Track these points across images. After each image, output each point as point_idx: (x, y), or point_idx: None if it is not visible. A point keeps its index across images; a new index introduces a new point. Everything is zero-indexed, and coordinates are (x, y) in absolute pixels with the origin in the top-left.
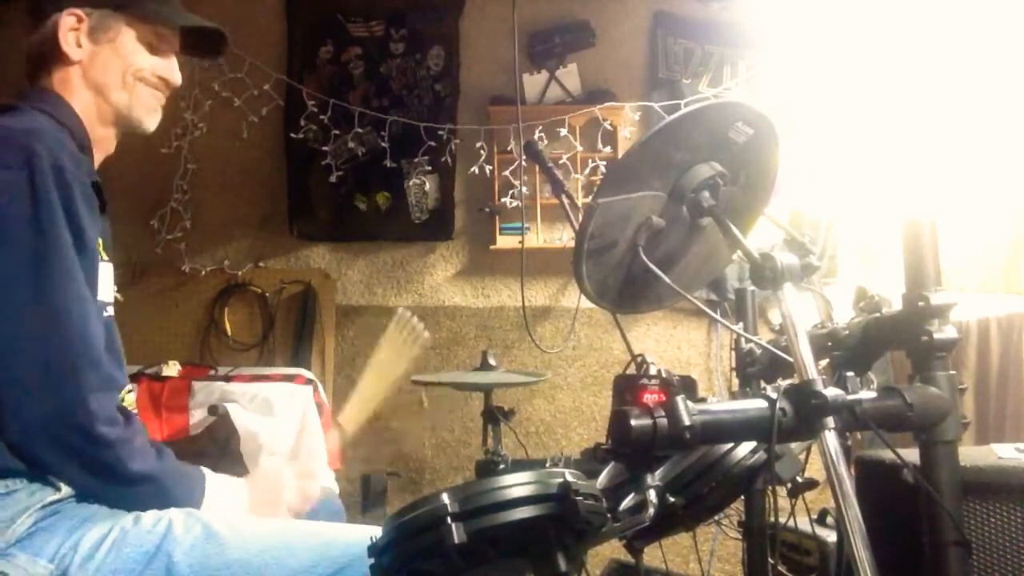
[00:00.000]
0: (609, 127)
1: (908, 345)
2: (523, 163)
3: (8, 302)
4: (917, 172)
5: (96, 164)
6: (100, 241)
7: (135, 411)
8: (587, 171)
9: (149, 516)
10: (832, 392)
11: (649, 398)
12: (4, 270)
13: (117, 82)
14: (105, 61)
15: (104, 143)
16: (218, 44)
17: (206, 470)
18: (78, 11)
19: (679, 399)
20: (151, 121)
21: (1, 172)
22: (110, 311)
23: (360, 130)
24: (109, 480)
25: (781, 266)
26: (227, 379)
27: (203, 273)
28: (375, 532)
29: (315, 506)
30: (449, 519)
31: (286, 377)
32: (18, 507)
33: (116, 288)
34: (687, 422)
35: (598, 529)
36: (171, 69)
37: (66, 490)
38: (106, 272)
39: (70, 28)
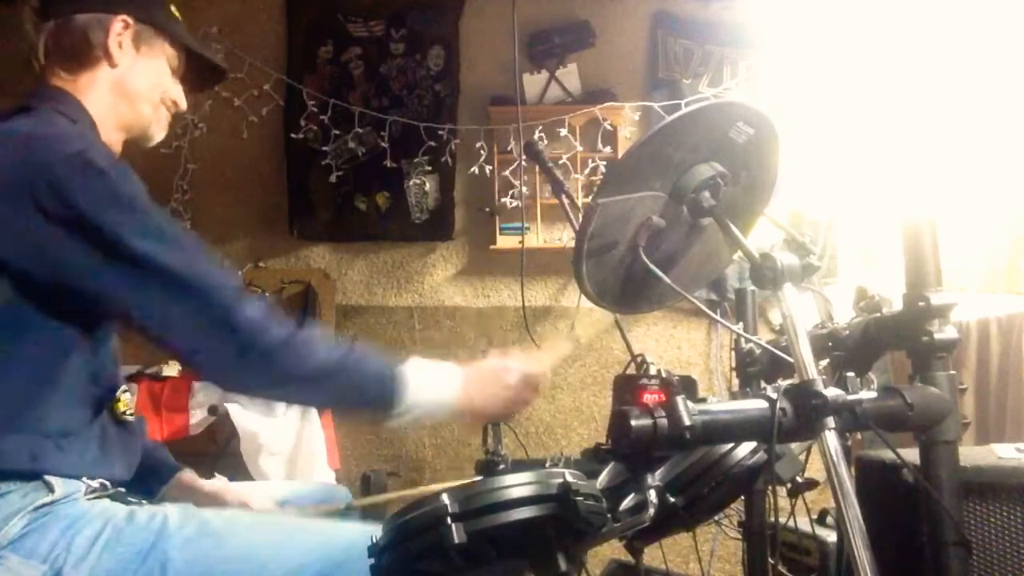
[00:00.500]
0: (609, 127)
1: (908, 345)
2: (523, 163)
3: (146, 279)
4: (917, 172)
5: None
6: None
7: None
8: (587, 171)
9: (144, 513)
10: (832, 392)
11: (649, 398)
12: (135, 252)
13: (147, 95)
14: (142, 72)
15: (112, 146)
16: (215, 79)
17: (410, 363)
18: (128, 18)
19: (679, 399)
20: (159, 137)
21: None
22: None
23: (360, 130)
24: (297, 381)
25: (781, 266)
26: None
27: None
28: (375, 529)
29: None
30: (449, 519)
31: None
32: (10, 509)
33: None
34: (687, 422)
35: (598, 529)
36: (182, 95)
37: (59, 491)
38: None
39: (118, 33)
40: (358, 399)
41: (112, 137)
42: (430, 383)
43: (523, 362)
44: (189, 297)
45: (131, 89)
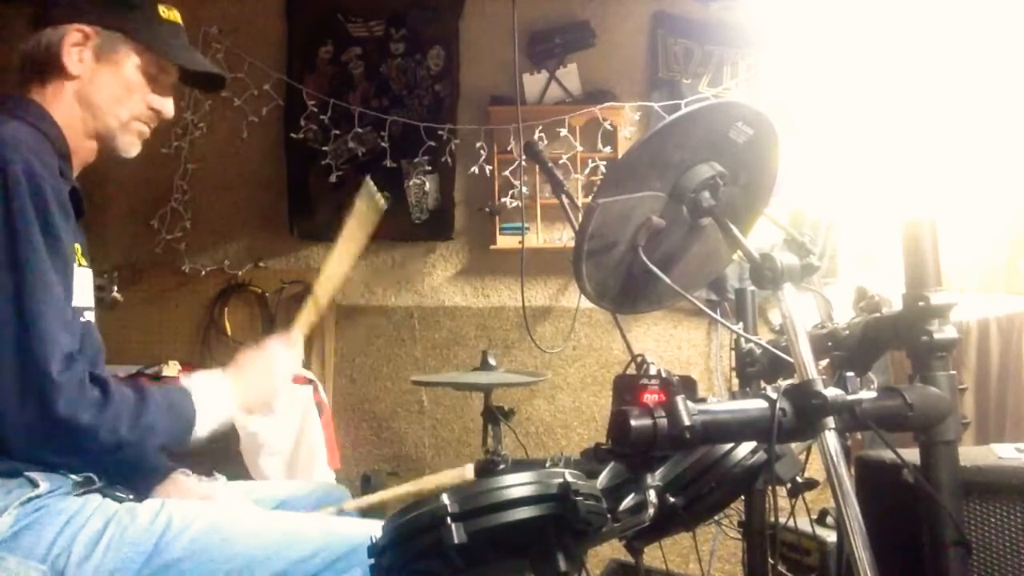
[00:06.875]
0: (609, 127)
1: (908, 345)
2: (523, 163)
3: None
4: (917, 172)
5: (76, 172)
6: (78, 247)
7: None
8: (587, 171)
9: (146, 511)
10: (832, 392)
11: (649, 398)
12: None
13: (109, 106)
14: (103, 82)
15: (84, 153)
16: (216, 82)
17: (191, 388)
18: (86, 28)
19: (679, 399)
20: (133, 150)
21: None
22: (88, 316)
23: (360, 130)
24: (113, 454)
25: (781, 266)
26: None
27: (203, 273)
28: (374, 525)
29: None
30: (449, 519)
31: None
32: None
33: (116, 288)
34: (687, 422)
35: (598, 529)
36: (166, 103)
37: (44, 486)
38: (84, 277)
39: (74, 43)
40: (167, 442)
41: (83, 145)
42: (213, 404)
43: (275, 343)
44: (19, 348)
45: (93, 100)
